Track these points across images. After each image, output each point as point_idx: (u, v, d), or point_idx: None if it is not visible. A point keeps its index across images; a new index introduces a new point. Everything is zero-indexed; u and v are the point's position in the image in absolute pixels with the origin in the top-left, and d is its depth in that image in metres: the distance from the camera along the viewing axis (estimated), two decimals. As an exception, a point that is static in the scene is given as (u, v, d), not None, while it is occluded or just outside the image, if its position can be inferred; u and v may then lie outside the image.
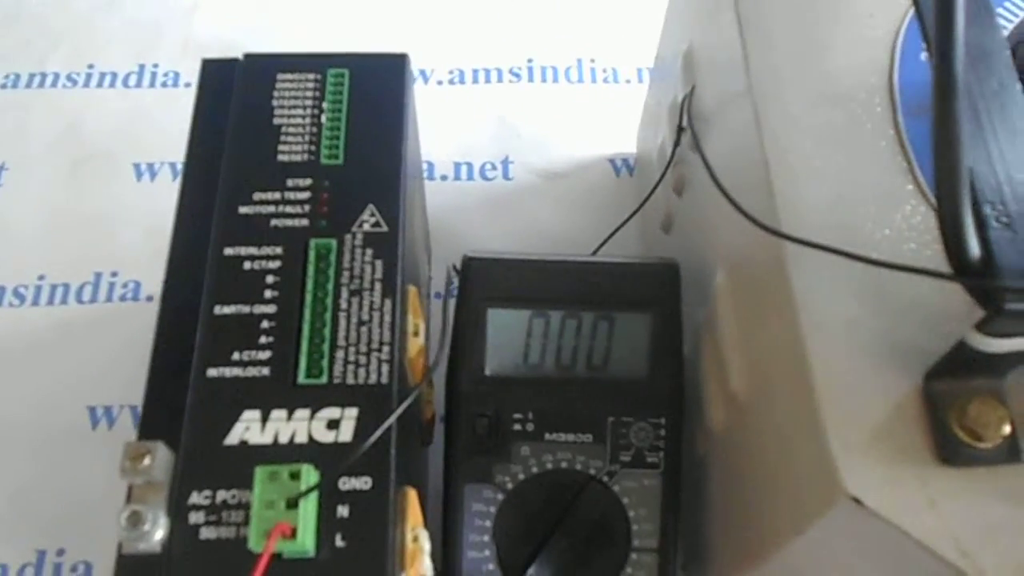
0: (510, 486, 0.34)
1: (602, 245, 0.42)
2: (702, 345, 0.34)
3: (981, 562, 0.21)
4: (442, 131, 0.52)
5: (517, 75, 0.54)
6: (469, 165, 0.51)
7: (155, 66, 0.54)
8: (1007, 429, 0.22)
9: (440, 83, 0.54)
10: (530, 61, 0.54)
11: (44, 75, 0.53)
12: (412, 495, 0.29)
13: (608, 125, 0.52)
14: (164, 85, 0.53)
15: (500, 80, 0.54)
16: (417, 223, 0.37)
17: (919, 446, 0.23)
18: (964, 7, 0.21)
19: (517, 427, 0.34)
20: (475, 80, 0.54)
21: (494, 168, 0.51)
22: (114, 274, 0.47)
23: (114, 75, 0.54)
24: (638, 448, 0.34)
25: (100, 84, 0.53)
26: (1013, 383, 0.23)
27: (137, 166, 0.50)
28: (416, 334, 0.31)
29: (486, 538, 0.34)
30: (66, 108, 0.52)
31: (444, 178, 0.51)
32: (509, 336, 0.34)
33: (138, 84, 0.53)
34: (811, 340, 0.24)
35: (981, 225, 0.20)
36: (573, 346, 0.34)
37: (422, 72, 0.54)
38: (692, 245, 0.37)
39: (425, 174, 0.51)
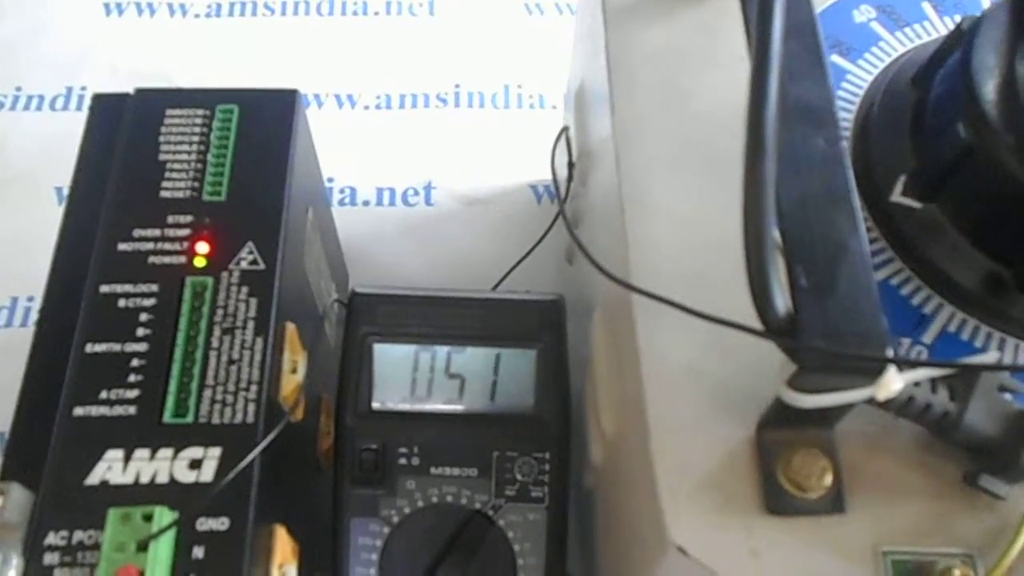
0: (396, 520, 0.34)
1: (504, 277, 0.43)
2: (586, 381, 0.35)
3: (797, 612, 0.22)
4: (366, 156, 0.52)
5: (444, 100, 0.54)
6: (391, 191, 0.51)
7: (83, 89, 0.54)
8: (829, 480, 0.23)
9: (367, 108, 0.54)
10: (457, 87, 0.55)
11: (-29, 97, 0.54)
12: (280, 533, 0.29)
13: (532, 151, 0.52)
14: (91, 108, 0.53)
15: (427, 105, 0.54)
16: (312, 255, 0.37)
17: (747, 496, 0.23)
18: (781, 63, 0.21)
19: (403, 461, 0.34)
20: (402, 105, 0.54)
21: (416, 194, 0.51)
22: (30, 299, 0.47)
23: (41, 98, 0.54)
24: (523, 482, 0.34)
25: (27, 107, 0.53)
26: (847, 433, 0.24)
27: (59, 190, 0.50)
28: (294, 371, 0.31)
29: (372, 571, 0.34)
30: (-9, 130, 0.52)
31: (366, 203, 0.51)
32: (395, 370, 0.34)
33: (65, 107, 0.54)
34: (650, 386, 0.25)
35: (792, 284, 0.21)
36: (459, 381, 0.35)
37: (349, 97, 0.54)
38: (585, 280, 0.37)
39: (347, 200, 0.51)
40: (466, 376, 0.35)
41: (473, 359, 0.35)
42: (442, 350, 0.34)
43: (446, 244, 0.50)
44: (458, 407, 0.35)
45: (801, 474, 0.23)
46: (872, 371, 0.20)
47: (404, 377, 0.35)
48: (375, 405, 0.35)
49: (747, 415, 0.24)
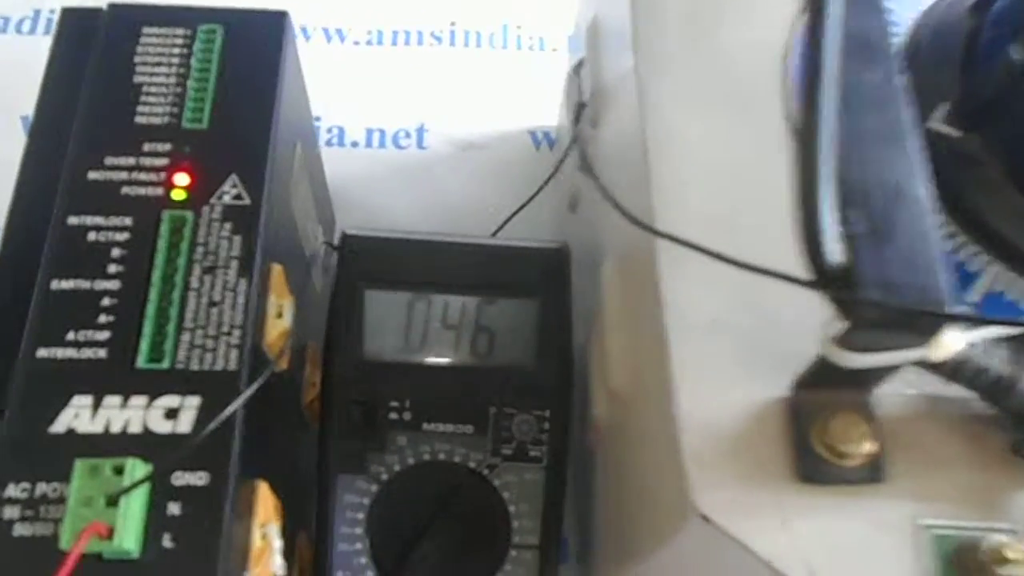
0: (385, 477, 0.32)
1: (504, 224, 0.40)
2: (592, 335, 0.33)
3: (832, 588, 0.20)
4: (355, 95, 0.49)
5: (439, 39, 0.51)
6: (382, 132, 0.49)
7: (52, 12, 0.50)
8: (869, 447, 0.21)
9: (357, 44, 0.51)
10: (453, 24, 0.52)
11: (-69, 18, 0.50)
12: (263, 489, 0.27)
13: (531, 95, 0.50)
14: (61, 33, 0.50)
15: (420, 43, 0.51)
16: (299, 194, 0.34)
17: (778, 462, 0.21)
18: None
19: (394, 416, 0.32)
20: (394, 42, 0.51)
21: (408, 136, 0.49)
22: (-6, 236, 0.44)
23: (6, 20, 0.50)
24: (520, 441, 0.33)
25: (-9, 30, 0.50)
26: (885, 397, 0.22)
27: (26, 119, 0.47)
28: (280, 316, 0.29)
29: (359, 531, 0.32)
30: (-48, 54, 0.49)
31: (355, 145, 0.48)
32: (388, 319, 0.32)
33: (32, 31, 0.50)
34: (674, 341, 0.23)
35: (845, 231, 0.19)
36: (455, 332, 0.33)
37: (339, 31, 0.51)
38: (591, 228, 0.35)
39: (335, 140, 0.48)
40: (463, 327, 0.33)
41: (471, 309, 0.33)
42: (438, 299, 0.32)
43: (439, 190, 0.47)
44: (454, 360, 0.33)
45: (839, 440, 0.21)
46: (929, 329, 0.18)
47: (397, 327, 0.33)
48: (365, 356, 0.32)
49: (778, 375, 0.22)
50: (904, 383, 0.21)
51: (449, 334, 0.33)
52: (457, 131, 0.49)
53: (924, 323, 0.18)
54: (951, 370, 0.20)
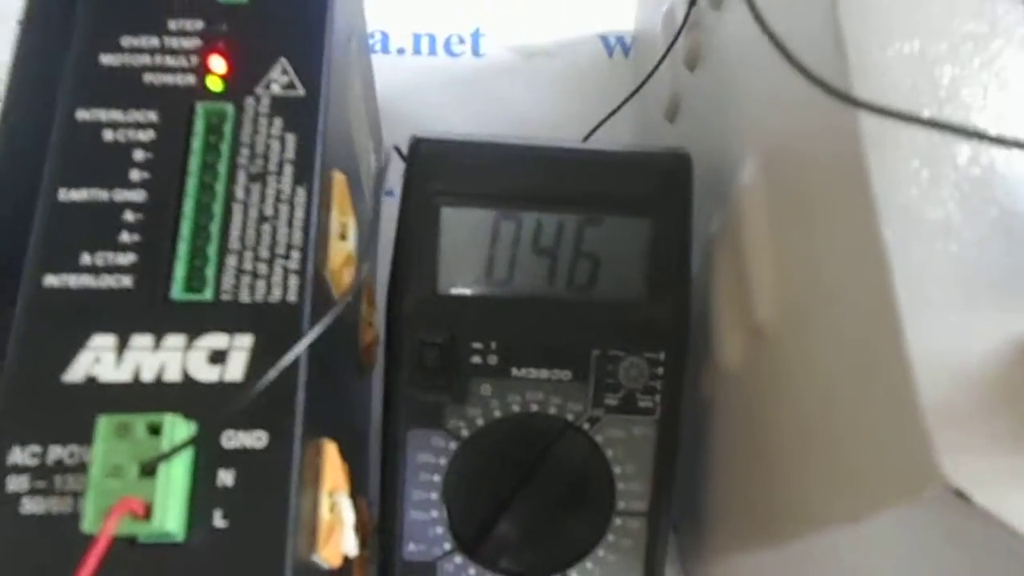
0: (466, 433, 0.27)
1: (591, 134, 0.34)
2: (715, 261, 0.27)
3: None
4: (401, -6, 0.43)
5: (494, -72, 0.45)
6: (431, 37, 0.43)
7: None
8: None
9: (400, -66, 0.45)
10: (511, -89, 0.45)
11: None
12: (330, 450, 0.22)
13: (603, -6, 0.44)
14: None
15: (473, -67, 0.45)
16: (353, 93, 0.29)
17: (1051, 417, 0.16)
18: None
19: (476, 360, 0.27)
20: (443, -68, 0.45)
21: (461, 42, 0.43)
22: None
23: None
24: (629, 389, 0.27)
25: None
26: None
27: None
28: (344, 237, 0.24)
29: (434, 496, 0.27)
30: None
31: (401, 52, 0.43)
32: (468, 243, 0.27)
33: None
34: (896, 256, 0.17)
35: None
36: (550, 258, 0.27)
37: (379, -81, 0.45)
38: (707, 134, 0.29)
39: (378, 46, 0.43)
40: (559, 252, 0.27)
41: (569, 230, 0.27)
42: (529, 218, 0.27)
43: (497, 103, 0.42)
44: (548, 292, 0.28)
45: None
46: None
47: (480, 251, 0.27)
48: (442, 288, 0.27)
49: (1039, 300, 0.16)
50: None
51: (542, 261, 0.27)
52: (518, 36, 0.43)
53: None
54: None
